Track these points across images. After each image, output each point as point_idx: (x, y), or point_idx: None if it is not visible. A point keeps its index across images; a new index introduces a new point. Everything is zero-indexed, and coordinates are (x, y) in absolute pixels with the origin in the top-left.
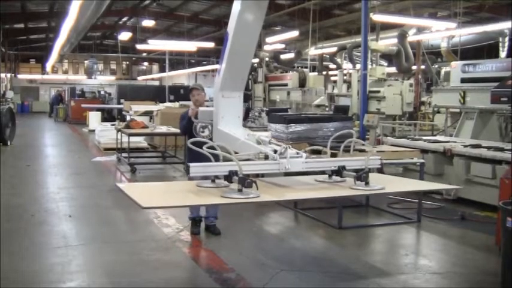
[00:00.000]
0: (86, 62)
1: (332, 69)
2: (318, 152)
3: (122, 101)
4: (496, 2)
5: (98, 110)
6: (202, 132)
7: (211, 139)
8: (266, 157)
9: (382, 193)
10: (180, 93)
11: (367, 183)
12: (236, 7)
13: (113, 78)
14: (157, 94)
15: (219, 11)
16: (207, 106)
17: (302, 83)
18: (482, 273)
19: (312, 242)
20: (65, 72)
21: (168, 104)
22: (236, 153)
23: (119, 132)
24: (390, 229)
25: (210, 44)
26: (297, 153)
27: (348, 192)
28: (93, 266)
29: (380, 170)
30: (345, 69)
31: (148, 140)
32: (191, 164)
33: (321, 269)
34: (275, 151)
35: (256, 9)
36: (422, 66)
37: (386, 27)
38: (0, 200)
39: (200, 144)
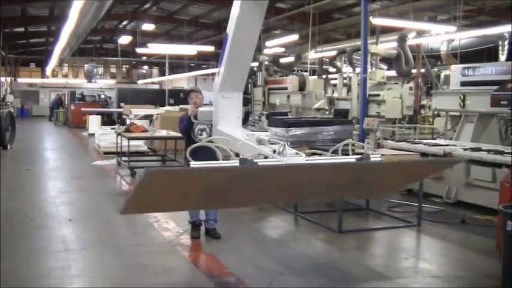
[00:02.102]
0: (85, 65)
1: (332, 73)
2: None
3: (122, 104)
4: (495, 5)
5: (97, 113)
6: (201, 135)
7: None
8: (266, 157)
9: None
10: (180, 97)
11: None
12: (236, 8)
13: (112, 82)
14: (157, 98)
15: (219, 15)
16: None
17: (302, 86)
18: (482, 277)
19: (312, 245)
20: (65, 76)
21: (167, 107)
22: (237, 154)
23: (119, 136)
24: (390, 233)
25: (210, 48)
26: (297, 153)
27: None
28: (92, 270)
29: None
30: (345, 72)
31: (148, 144)
32: (192, 163)
33: (321, 273)
34: (275, 151)
35: (255, 10)
36: (422, 70)
37: (386, 30)
38: None
39: (198, 149)
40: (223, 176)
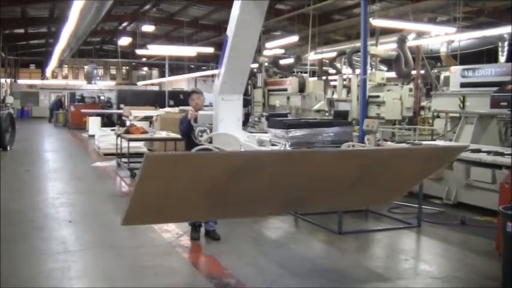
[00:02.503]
0: (85, 67)
1: (332, 74)
2: None
3: (122, 106)
4: (495, 7)
5: (97, 115)
6: (201, 136)
7: (211, 143)
8: None
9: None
10: (180, 98)
11: None
12: (236, 9)
13: (112, 83)
14: (157, 99)
15: (219, 16)
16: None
17: (302, 88)
18: (482, 278)
19: (312, 247)
20: (65, 77)
21: (167, 109)
22: None
23: (119, 138)
24: (390, 234)
25: (210, 49)
26: None
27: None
28: (92, 271)
29: None
30: (345, 74)
31: (148, 145)
32: None
33: (321, 274)
34: None
35: (255, 10)
36: (422, 71)
37: (386, 32)
38: None
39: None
40: (225, 163)
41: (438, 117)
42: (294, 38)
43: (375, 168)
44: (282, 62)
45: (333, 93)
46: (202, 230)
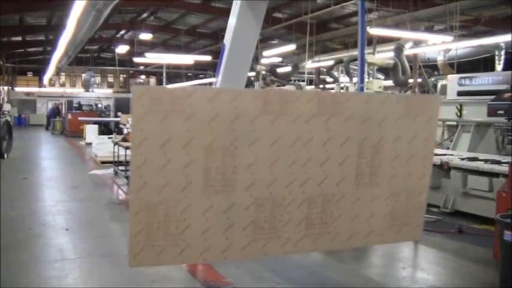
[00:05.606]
0: (83, 75)
1: (329, 83)
2: None
3: (119, 114)
4: (492, 15)
5: (95, 123)
6: None
7: None
8: None
9: None
10: None
11: None
12: (233, 18)
13: (110, 91)
14: None
15: (216, 25)
16: None
17: None
18: (480, 286)
19: (309, 255)
20: (62, 85)
21: None
22: None
23: (116, 145)
24: None
25: (207, 58)
26: None
27: None
28: (89, 279)
29: None
30: (342, 82)
31: None
32: None
33: (319, 283)
34: None
35: (253, 19)
36: (419, 80)
37: (383, 40)
38: None
39: None
40: (211, 102)
41: None
42: (291, 47)
43: (367, 133)
44: (279, 70)
45: None
46: None
